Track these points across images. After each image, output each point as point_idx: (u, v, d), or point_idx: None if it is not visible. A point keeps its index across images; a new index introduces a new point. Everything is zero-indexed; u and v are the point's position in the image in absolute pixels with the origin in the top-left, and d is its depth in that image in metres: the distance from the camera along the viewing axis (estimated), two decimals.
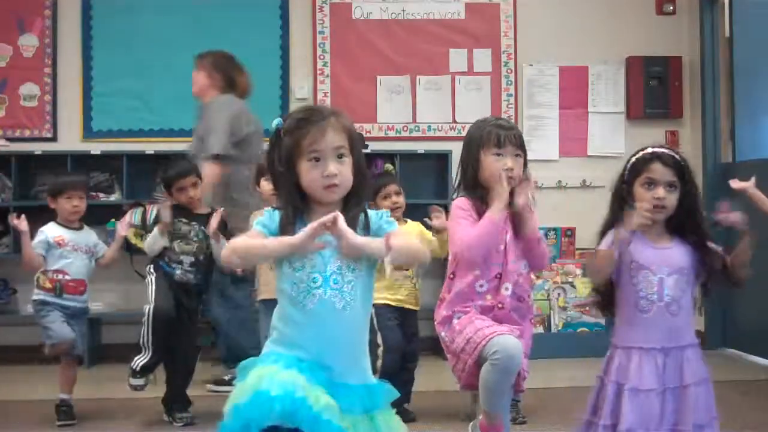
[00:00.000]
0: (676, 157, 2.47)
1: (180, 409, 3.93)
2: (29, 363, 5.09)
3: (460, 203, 2.94)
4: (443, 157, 5.72)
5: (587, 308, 5.44)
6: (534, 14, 5.96)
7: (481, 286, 2.90)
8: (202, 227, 3.91)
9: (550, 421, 3.87)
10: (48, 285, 3.95)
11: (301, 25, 5.88)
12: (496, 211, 2.84)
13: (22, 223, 3.88)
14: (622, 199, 2.50)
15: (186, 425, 3.88)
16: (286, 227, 2.05)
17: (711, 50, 5.87)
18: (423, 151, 5.82)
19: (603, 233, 2.50)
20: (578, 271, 5.51)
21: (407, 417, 3.63)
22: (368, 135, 5.67)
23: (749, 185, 3.76)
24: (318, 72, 5.85)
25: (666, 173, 2.44)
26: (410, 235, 2.42)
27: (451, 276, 2.98)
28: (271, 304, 2.28)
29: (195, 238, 3.94)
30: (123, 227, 4.09)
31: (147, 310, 3.82)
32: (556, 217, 5.63)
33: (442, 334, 2.96)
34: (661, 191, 2.43)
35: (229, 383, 4.43)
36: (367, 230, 2.08)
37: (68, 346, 3.92)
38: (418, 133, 5.91)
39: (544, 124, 5.98)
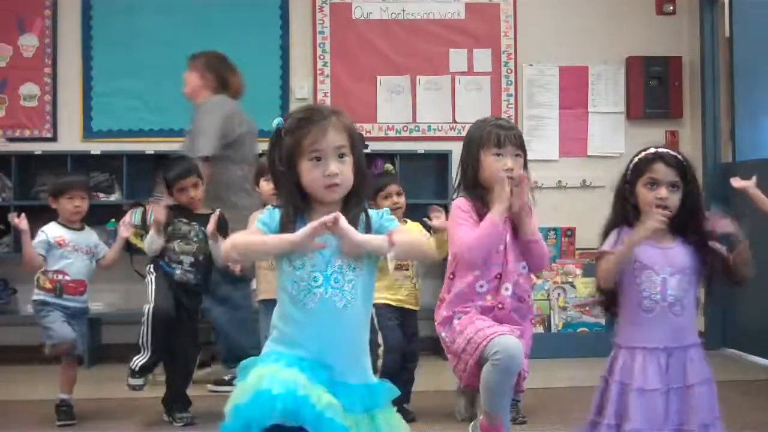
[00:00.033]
0: (679, 157, 2.48)
1: (180, 409, 3.93)
2: (29, 363, 5.09)
3: (460, 204, 2.94)
4: (443, 157, 5.72)
5: (587, 308, 5.44)
6: (534, 14, 5.96)
7: (482, 286, 2.90)
8: (203, 227, 3.91)
9: (550, 421, 3.86)
10: (48, 285, 3.95)
11: (301, 25, 5.88)
12: (497, 213, 2.83)
13: (22, 222, 3.88)
14: (624, 199, 2.51)
15: (186, 425, 3.88)
16: (286, 226, 2.05)
17: (711, 50, 5.87)
18: (423, 151, 5.82)
19: (606, 234, 2.50)
20: (578, 271, 5.51)
21: (407, 417, 3.62)
22: (368, 135, 5.67)
23: (750, 184, 3.76)
24: (318, 72, 5.85)
25: (668, 173, 2.45)
26: (413, 231, 2.43)
27: (451, 276, 2.98)
28: (271, 304, 2.28)
29: (195, 239, 3.94)
30: (125, 229, 4.09)
31: (147, 310, 3.82)
32: (556, 217, 5.63)
33: (443, 334, 2.96)
34: (663, 191, 2.44)
35: (229, 383, 4.43)
36: (368, 229, 2.09)
37: (69, 346, 3.91)
38: (418, 133, 5.91)
39: (544, 124, 5.98)
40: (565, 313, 5.46)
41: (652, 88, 5.95)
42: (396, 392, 2.12)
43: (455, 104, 5.92)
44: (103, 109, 5.75)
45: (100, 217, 5.01)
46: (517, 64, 5.96)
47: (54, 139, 5.73)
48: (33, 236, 3.93)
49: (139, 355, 3.82)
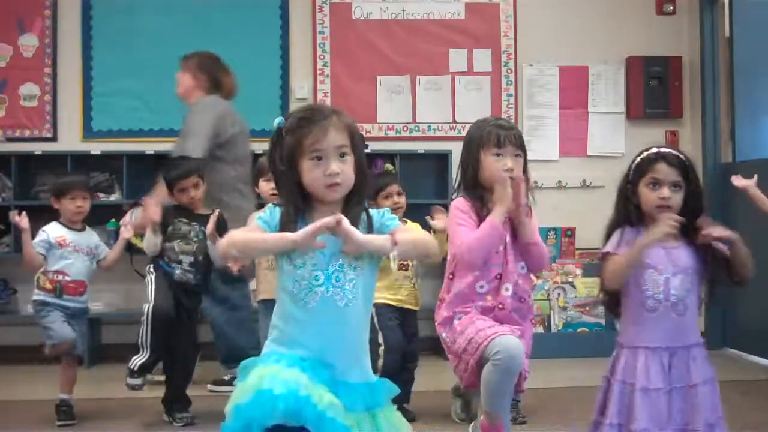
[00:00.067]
0: (681, 157, 2.48)
1: (180, 409, 3.92)
2: (29, 363, 5.09)
3: (459, 204, 2.94)
4: (443, 157, 5.72)
5: (587, 308, 5.44)
6: (534, 14, 5.96)
7: (482, 287, 2.90)
8: (203, 227, 3.91)
9: (550, 421, 3.86)
10: (48, 285, 3.95)
11: (301, 25, 5.88)
12: (498, 215, 2.83)
13: (23, 221, 3.88)
14: (627, 199, 2.51)
15: (186, 425, 3.88)
16: (287, 225, 2.05)
17: (711, 50, 5.87)
18: (423, 151, 5.82)
19: (608, 234, 2.51)
20: (578, 271, 5.51)
21: (407, 417, 3.61)
22: (368, 135, 5.67)
23: (751, 184, 3.75)
24: (318, 72, 5.85)
25: (671, 173, 2.45)
26: (415, 229, 2.44)
27: (450, 276, 2.98)
28: (270, 304, 2.27)
29: (195, 239, 3.93)
30: (127, 230, 4.08)
31: (146, 309, 3.82)
32: (556, 217, 5.63)
33: (443, 334, 2.96)
34: (665, 191, 2.44)
35: (229, 383, 4.43)
36: (369, 229, 2.09)
37: (69, 346, 3.91)
38: (418, 133, 5.91)
39: (544, 124, 5.98)
40: (565, 313, 5.46)
41: (652, 88, 5.95)
42: (396, 390, 2.12)
43: (455, 104, 5.92)
44: (103, 109, 5.74)
45: (100, 217, 5.01)
46: (517, 64, 5.96)
47: (54, 139, 5.73)
48: (33, 236, 3.93)
49: (138, 355, 3.82)
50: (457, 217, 2.91)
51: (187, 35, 5.63)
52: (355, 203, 2.10)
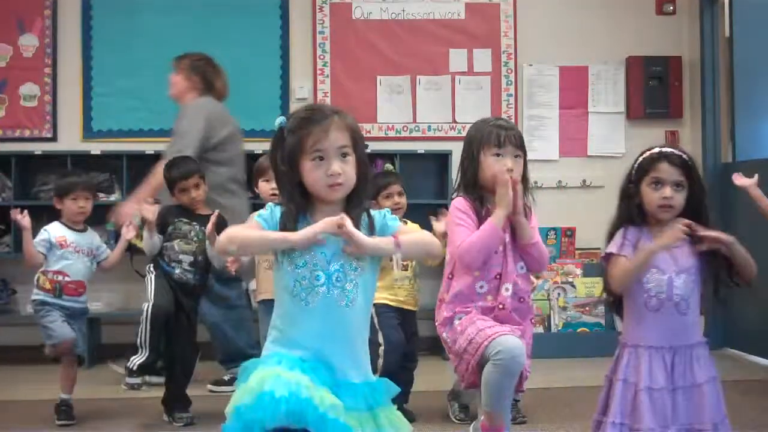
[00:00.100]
0: (684, 156, 2.49)
1: (180, 409, 3.92)
2: (29, 363, 5.08)
3: (459, 204, 2.94)
4: (443, 157, 5.72)
5: (587, 308, 5.44)
6: (534, 14, 5.96)
7: (482, 287, 2.90)
8: (203, 227, 3.91)
9: (550, 421, 3.86)
10: (48, 286, 3.95)
11: (301, 25, 5.87)
12: (499, 217, 2.83)
13: (24, 219, 3.88)
14: (629, 198, 2.51)
15: (186, 425, 3.88)
16: (287, 225, 2.04)
17: (711, 50, 5.86)
18: (423, 151, 5.82)
19: (611, 234, 2.51)
20: (578, 271, 5.51)
21: (407, 417, 3.61)
22: (368, 135, 5.67)
23: (751, 183, 3.75)
24: (318, 72, 5.85)
25: (673, 173, 2.45)
26: (418, 230, 2.43)
27: (450, 276, 2.98)
28: (270, 304, 2.27)
29: (195, 238, 3.93)
30: (128, 231, 4.07)
31: (146, 308, 3.81)
32: (556, 217, 5.63)
33: (444, 335, 2.96)
34: (668, 191, 2.45)
35: (229, 383, 4.43)
36: (371, 229, 2.09)
37: (69, 346, 3.91)
38: (418, 133, 5.91)
39: (544, 124, 5.98)
40: (565, 313, 5.45)
41: (652, 88, 5.95)
42: (396, 389, 2.12)
43: (455, 104, 5.92)
44: (103, 109, 5.74)
45: (100, 217, 5.00)
46: (517, 64, 5.96)
47: (54, 139, 5.73)
48: (33, 236, 3.93)
49: (137, 355, 3.81)
50: (456, 217, 2.91)
51: (187, 35, 5.63)
52: (356, 203, 2.10)
